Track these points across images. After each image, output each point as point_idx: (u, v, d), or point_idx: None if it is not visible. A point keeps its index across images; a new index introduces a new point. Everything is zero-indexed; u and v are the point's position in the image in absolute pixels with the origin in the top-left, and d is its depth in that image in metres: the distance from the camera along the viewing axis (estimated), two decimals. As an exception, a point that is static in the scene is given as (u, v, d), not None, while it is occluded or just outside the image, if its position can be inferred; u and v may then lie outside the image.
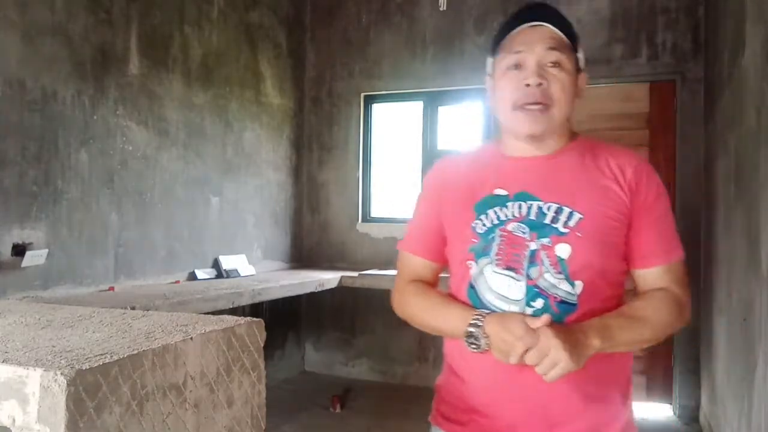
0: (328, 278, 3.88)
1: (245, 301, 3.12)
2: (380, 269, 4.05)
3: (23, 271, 2.53)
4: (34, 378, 0.63)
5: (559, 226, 1.09)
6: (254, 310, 3.80)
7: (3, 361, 0.66)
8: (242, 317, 0.93)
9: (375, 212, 4.58)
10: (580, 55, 1.16)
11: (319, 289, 3.81)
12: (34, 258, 2.54)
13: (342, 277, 3.98)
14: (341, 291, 4.02)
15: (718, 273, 3.06)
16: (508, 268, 1.09)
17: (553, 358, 0.96)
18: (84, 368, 0.63)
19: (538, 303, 1.07)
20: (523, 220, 1.11)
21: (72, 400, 0.61)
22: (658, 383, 3.79)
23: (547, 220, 1.10)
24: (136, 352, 0.70)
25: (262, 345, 0.92)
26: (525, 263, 1.09)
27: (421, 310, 1.21)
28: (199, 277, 3.50)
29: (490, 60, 1.20)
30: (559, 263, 1.07)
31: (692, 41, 3.74)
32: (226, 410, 0.84)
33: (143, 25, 3.17)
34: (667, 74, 3.81)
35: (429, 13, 4.29)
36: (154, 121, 3.25)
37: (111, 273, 2.99)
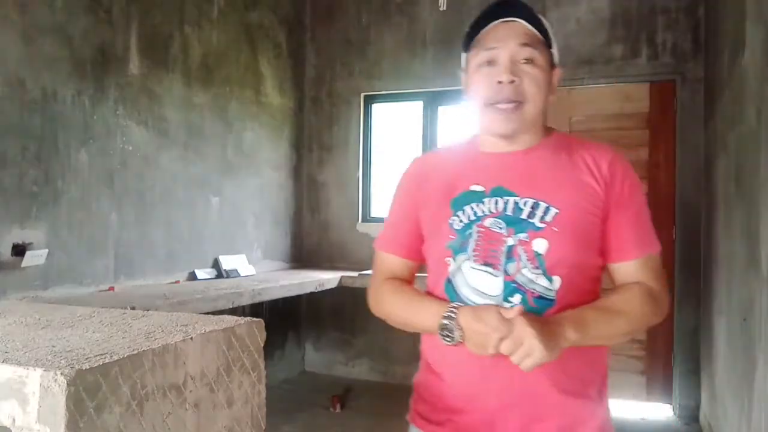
0: (328, 278, 3.88)
1: (245, 301, 3.12)
2: (380, 269, 4.04)
3: (23, 271, 2.53)
4: (34, 378, 0.63)
5: (536, 221, 1.09)
6: (254, 310, 3.80)
7: (3, 361, 0.66)
8: (242, 317, 0.93)
9: (375, 212, 4.58)
10: (554, 51, 1.16)
11: (319, 289, 3.81)
12: (34, 258, 2.54)
13: (342, 277, 3.98)
14: (341, 291, 4.03)
15: (718, 273, 3.06)
16: (486, 264, 1.09)
17: (527, 348, 0.95)
18: (84, 368, 0.63)
19: (516, 298, 1.07)
20: (500, 215, 1.11)
21: (72, 400, 0.61)
22: (658, 383, 3.79)
23: (524, 216, 1.10)
24: (136, 352, 0.70)
25: (262, 345, 0.92)
26: (502, 259, 1.09)
27: (396, 308, 1.21)
28: (199, 277, 3.50)
29: (464, 56, 1.21)
30: (536, 258, 1.07)
31: (692, 41, 3.74)
32: (226, 410, 0.84)
33: (143, 25, 3.17)
34: (667, 74, 3.81)
35: (429, 13, 4.29)
36: (154, 121, 3.25)
37: (111, 273, 2.99)
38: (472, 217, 1.13)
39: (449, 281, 1.13)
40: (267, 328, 0.93)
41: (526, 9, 1.14)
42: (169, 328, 0.85)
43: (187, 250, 3.50)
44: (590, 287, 1.13)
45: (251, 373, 0.89)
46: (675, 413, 3.73)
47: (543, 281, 1.07)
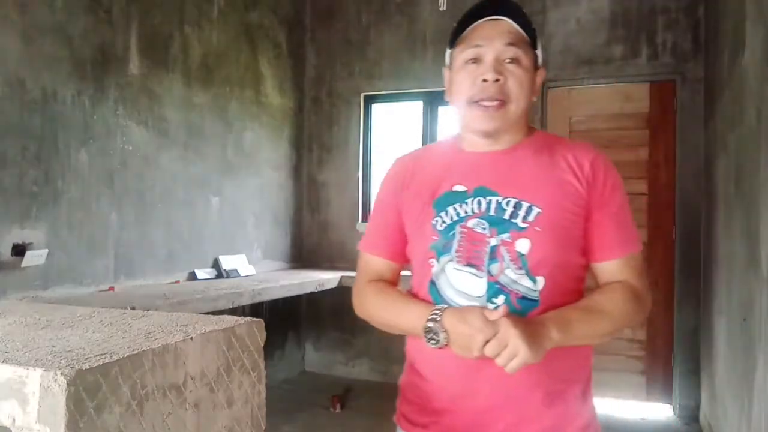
0: (327, 278, 3.89)
1: (245, 301, 3.12)
2: (380, 269, 4.04)
3: (23, 271, 2.53)
4: (34, 378, 0.63)
5: (518, 221, 1.09)
6: (254, 310, 3.80)
7: (3, 361, 0.66)
8: (242, 317, 0.92)
9: (375, 212, 4.57)
10: (539, 52, 1.16)
11: (319, 289, 3.81)
12: (34, 258, 2.54)
13: (342, 277, 3.98)
14: (341, 291, 4.02)
15: (718, 273, 3.06)
16: (469, 265, 1.09)
17: (512, 349, 0.95)
18: (84, 368, 0.63)
19: (500, 299, 1.07)
20: (483, 216, 1.11)
21: (72, 400, 0.61)
22: (658, 383, 3.79)
23: (506, 216, 1.09)
24: (136, 352, 0.70)
25: (262, 345, 0.92)
26: (486, 259, 1.08)
27: (380, 309, 1.20)
28: (199, 277, 3.50)
29: (448, 51, 1.21)
30: (519, 259, 1.07)
31: (692, 41, 3.74)
32: (226, 410, 0.84)
33: (143, 25, 3.17)
34: (667, 74, 3.81)
35: (429, 13, 4.29)
36: (154, 121, 3.25)
37: (111, 273, 2.99)
38: (455, 218, 1.12)
39: (433, 283, 1.13)
40: (267, 328, 0.93)
41: (514, 8, 1.14)
42: (169, 328, 0.85)
43: (187, 250, 3.50)
44: (574, 287, 1.13)
45: (251, 373, 0.89)
46: (675, 413, 3.73)
47: (526, 282, 1.07)
